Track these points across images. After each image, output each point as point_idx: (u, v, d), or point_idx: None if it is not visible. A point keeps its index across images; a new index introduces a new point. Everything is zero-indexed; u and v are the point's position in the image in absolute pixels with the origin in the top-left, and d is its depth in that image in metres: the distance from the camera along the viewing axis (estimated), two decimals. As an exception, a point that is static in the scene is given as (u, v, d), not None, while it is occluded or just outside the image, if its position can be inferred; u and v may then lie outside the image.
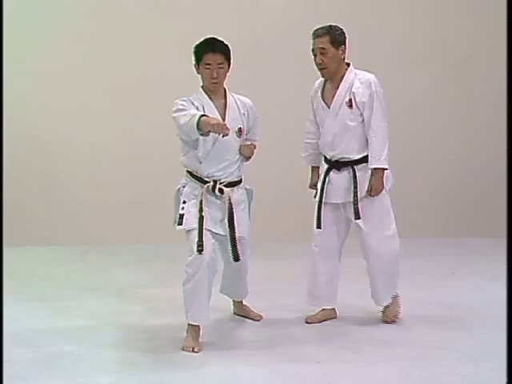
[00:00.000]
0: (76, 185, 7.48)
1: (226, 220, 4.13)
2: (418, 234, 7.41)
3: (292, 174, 7.43)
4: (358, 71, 4.41)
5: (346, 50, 4.39)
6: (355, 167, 4.38)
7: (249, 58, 7.11)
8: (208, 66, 4.09)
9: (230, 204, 4.13)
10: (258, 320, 4.60)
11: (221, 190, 4.13)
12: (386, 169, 4.36)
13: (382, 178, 4.36)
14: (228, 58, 4.15)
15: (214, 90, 4.16)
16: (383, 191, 4.39)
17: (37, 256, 6.73)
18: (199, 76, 4.20)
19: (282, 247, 7.05)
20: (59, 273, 6.10)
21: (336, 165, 4.44)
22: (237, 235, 4.14)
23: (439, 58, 7.77)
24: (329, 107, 4.41)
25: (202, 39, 4.18)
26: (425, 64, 7.73)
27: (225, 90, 4.24)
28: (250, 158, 4.31)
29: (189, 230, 4.09)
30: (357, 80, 4.35)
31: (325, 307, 4.63)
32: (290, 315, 4.73)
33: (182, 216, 4.11)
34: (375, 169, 4.33)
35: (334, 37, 4.31)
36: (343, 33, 4.38)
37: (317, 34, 4.33)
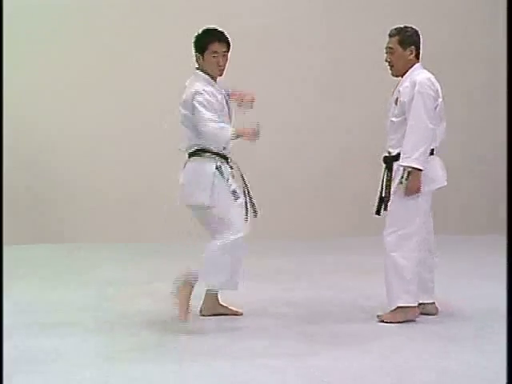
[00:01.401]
0: (65, 183, 7.54)
1: (242, 186, 4.49)
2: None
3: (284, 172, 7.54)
4: (417, 71, 4.48)
5: (419, 51, 4.52)
6: (394, 162, 4.45)
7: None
8: (215, 54, 4.39)
9: (242, 174, 4.52)
10: (239, 315, 4.68)
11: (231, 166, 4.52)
12: (420, 169, 4.32)
13: (417, 178, 4.33)
14: (229, 48, 4.46)
15: (219, 76, 4.46)
16: (418, 193, 4.36)
17: (24, 253, 6.78)
18: (196, 64, 4.44)
19: (257, 245, 7.16)
20: (45, 270, 6.15)
21: (384, 159, 4.57)
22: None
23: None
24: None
25: (203, 30, 4.43)
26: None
27: None
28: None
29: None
30: (408, 79, 4.45)
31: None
32: (269, 310, 4.83)
33: (235, 192, 4.44)
34: (409, 167, 4.32)
35: (403, 37, 4.48)
36: (414, 34, 4.51)
37: (389, 34, 4.55)
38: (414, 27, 4.54)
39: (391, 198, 4.44)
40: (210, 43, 4.37)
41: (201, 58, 4.42)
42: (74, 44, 7.42)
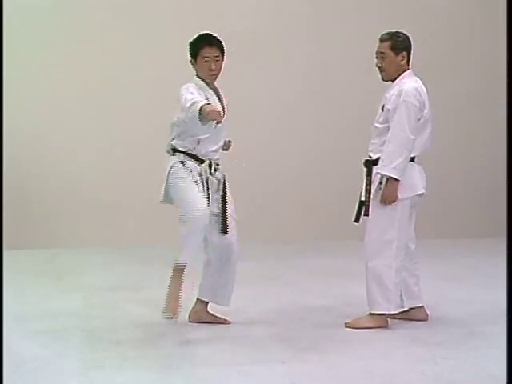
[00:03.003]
0: (43, 189, 7.49)
1: (220, 195, 4.42)
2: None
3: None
4: (408, 79, 4.45)
5: (410, 56, 4.50)
6: (373, 167, 4.46)
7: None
8: (206, 59, 4.39)
9: (224, 180, 4.47)
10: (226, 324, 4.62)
11: (215, 170, 4.44)
12: (396, 179, 4.30)
13: (393, 188, 4.33)
14: (223, 52, 4.46)
15: (211, 81, 4.46)
16: (395, 201, 4.36)
17: (4, 259, 6.71)
18: (194, 71, 4.45)
19: (245, 248, 7.15)
20: (27, 276, 6.10)
21: (365, 163, 4.56)
22: (228, 212, 4.45)
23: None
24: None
25: (196, 35, 4.46)
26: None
27: None
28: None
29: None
30: (396, 87, 4.44)
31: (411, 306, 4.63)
32: (254, 316, 4.80)
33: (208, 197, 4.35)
34: (386, 176, 4.33)
35: (394, 43, 4.45)
36: (406, 40, 4.50)
37: (380, 39, 4.52)
38: (405, 32, 4.52)
39: (370, 203, 4.44)
40: (201, 48, 4.39)
41: (194, 63, 4.44)
42: (73, 50, 7.45)
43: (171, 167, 4.37)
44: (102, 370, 3.77)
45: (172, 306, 4.20)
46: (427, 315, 4.64)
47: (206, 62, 4.39)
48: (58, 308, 5.03)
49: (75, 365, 3.83)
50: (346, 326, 4.49)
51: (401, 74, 4.48)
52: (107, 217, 7.54)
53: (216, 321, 4.61)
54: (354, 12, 7.97)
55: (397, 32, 4.50)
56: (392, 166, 4.30)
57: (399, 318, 4.61)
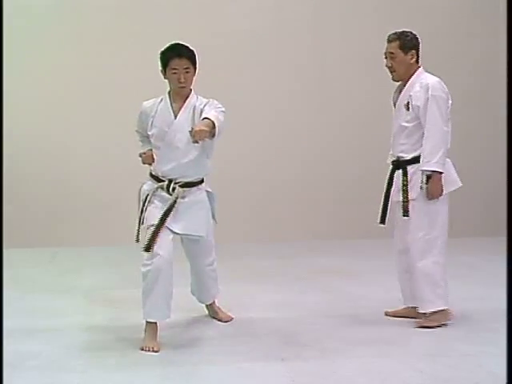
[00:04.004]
0: (44, 188, 7.50)
1: (163, 210, 4.19)
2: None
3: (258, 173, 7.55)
4: (424, 75, 4.50)
5: (419, 54, 4.53)
6: (407, 166, 4.46)
7: (219, 61, 7.22)
8: (175, 71, 4.19)
9: (175, 200, 4.21)
10: (227, 321, 4.66)
11: (173, 189, 4.24)
12: (441, 172, 4.35)
13: (439, 181, 4.36)
14: (194, 63, 4.24)
15: (181, 93, 4.25)
16: (442, 195, 4.40)
17: (5, 258, 6.73)
18: (166, 81, 4.30)
19: (244, 247, 7.19)
20: (27, 274, 6.12)
21: (395, 164, 4.58)
22: (174, 229, 4.21)
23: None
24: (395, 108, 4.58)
25: (167, 45, 4.27)
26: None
27: (190, 92, 4.31)
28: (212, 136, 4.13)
29: (148, 228, 4.21)
30: (418, 84, 4.46)
31: (409, 305, 4.67)
32: (255, 315, 4.82)
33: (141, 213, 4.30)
34: (430, 171, 4.36)
35: (403, 42, 4.48)
36: (414, 38, 4.52)
37: (388, 39, 4.54)
38: (412, 31, 4.54)
39: (414, 202, 4.43)
40: (170, 59, 4.19)
41: (164, 74, 4.26)
42: (72, 50, 7.46)
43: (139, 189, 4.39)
44: (103, 367, 3.80)
45: (150, 346, 4.11)
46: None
47: (174, 73, 4.18)
48: (59, 306, 5.06)
49: (76, 363, 3.86)
50: (417, 327, 4.49)
51: (413, 72, 4.50)
52: (107, 216, 7.56)
53: (216, 316, 4.69)
54: (352, 13, 7.97)
55: (404, 31, 4.53)
56: (434, 160, 4.33)
57: (399, 316, 4.67)
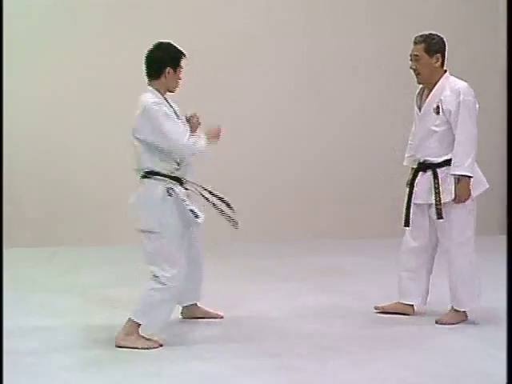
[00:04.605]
0: (43, 189, 7.57)
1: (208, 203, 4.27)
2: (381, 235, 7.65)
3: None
4: (452, 79, 4.55)
5: (445, 58, 4.56)
6: (437, 170, 4.51)
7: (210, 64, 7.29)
8: (181, 70, 4.24)
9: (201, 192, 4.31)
10: (218, 318, 4.71)
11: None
12: (471, 176, 4.42)
13: (468, 185, 4.43)
14: None
15: (173, 93, 4.29)
16: (469, 199, 4.47)
17: (4, 257, 6.78)
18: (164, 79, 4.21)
19: (236, 247, 7.28)
20: (27, 274, 6.19)
21: (421, 167, 4.61)
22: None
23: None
24: (420, 111, 4.61)
25: (169, 43, 4.25)
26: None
27: None
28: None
29: None
30: (448, 88, 4.49)
31: (402, 301, 4.77)
32: (245, 313, 4.90)
33: (194, 211, 4.16)
34: (460, 175, 4.42)
35: (428, 45, 4.51)
36: (440, 41, 4.56)
37: (414, 41, 4.57)
38: (439, 34, 4.57)
39: (446, 206, 4.49)
40: (181, 59, 4.22)
41: (171, 73, 4.19)
42: (72, 50, 7.53)
43: (161, 199, 4.13)
44: (100, 364, 3.87)
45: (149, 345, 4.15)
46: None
47: (180, 73, 4.22)
48: (57, 305, 5.12)
49: (74, 360, 3.93)
50: (437, 323, 4.59)
51: (439, 75, 4.53)
52: (106, 215, 7.62)
53: (208, 315, 4.69)
54: (350, 13, 8.04)
55: (431, 34, 4.56)
56: (466, 164, 4.40)
57: (389, 312, 4.77)
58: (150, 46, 4.27)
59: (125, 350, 4.08)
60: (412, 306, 4.78)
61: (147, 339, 4.15)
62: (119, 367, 3.82)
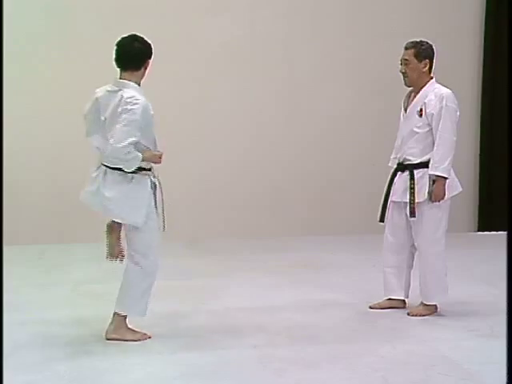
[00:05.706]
0: (33, 187, 7.67)
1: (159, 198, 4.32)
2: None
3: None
4: (438, 85, 4.79)
5: (432, 64, 4.80)
6: (414, 170, 4.75)
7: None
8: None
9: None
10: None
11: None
12: (446, 178, 4.66)
13: (443, 186, 4.67)
14: None
15: None
16: (444, 199, 4.71)
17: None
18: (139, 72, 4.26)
19: (219, 243, 7.50)
20: (16, 271, 6.33)
21: (400, 167, 4.86)
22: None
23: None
24: (406, 113, 4.85)
25: (142, 37, 4.28)
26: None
27: None
28: None
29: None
30: (432, 93, 4.74)
31: (392, 297, 5.00)
32: (227, 306, 5.10)
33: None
34: (436, 176, 4.66)
35: (418, 51, 4.77)
36: (429, 48, 4.81)
37: (405, 47, 4.84)
38: (429, 42, 4.82)
39: (421, 204, 4.72)
40: (152, 53, 4.30)
41: (143, 68, 4.25)
42: (71, 50, 7.61)
43: (149, 194, 4.23)
44: (89, 356, 4.04)
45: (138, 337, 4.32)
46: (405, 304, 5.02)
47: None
48: (48, 299, 5.28)
49: (64, 351, 4.11)
50: (408, 315, 4.82)
51: (426, 80, 4.77)
52: (93, 214, 7.71)
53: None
54: (326, 25, 8.14)
55: (421, 41, 4.82)
56: (443, 166, 4.65)
57: (384, 308, 4.99)
58: (119, 38, 4.25)
59: (114, 342, 4.25)
60: (403, 300, 4.99)
61: (136, 332, 4.34)
62: (109, 359, 3.99)
